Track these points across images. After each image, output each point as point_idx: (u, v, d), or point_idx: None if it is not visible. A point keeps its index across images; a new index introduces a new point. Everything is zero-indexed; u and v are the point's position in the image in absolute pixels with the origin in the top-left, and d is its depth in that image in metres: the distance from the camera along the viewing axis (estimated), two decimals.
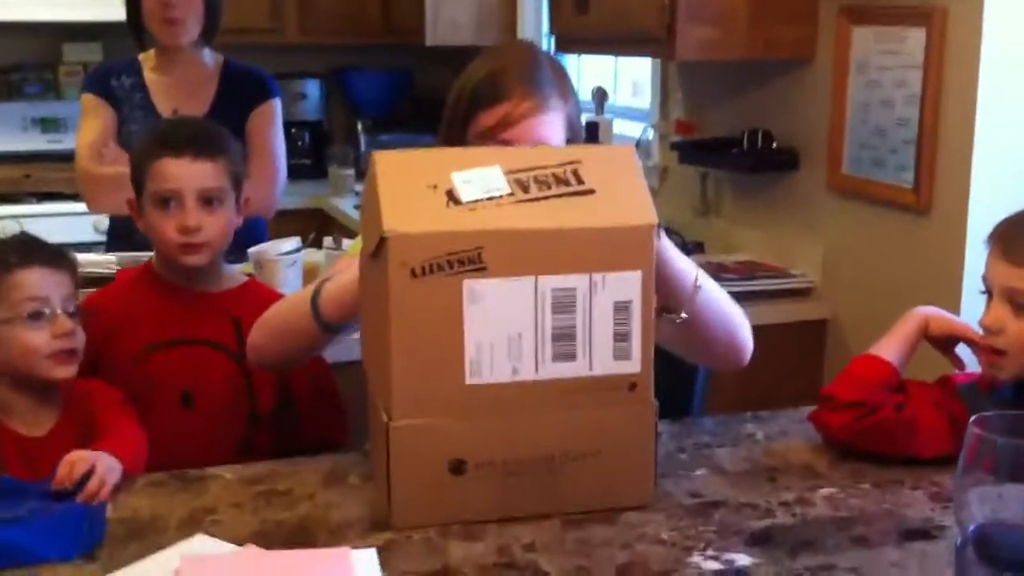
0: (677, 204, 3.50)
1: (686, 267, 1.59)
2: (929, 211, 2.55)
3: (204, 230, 1.93)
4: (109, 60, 3.02)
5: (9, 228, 4.03)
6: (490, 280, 1.29)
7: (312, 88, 5.07)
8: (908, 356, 1.70)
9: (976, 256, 2.40)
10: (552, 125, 1.70)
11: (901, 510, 1.51)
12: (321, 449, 1.95)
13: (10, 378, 1.68)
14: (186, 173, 1.93)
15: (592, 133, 3.52)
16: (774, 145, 3.03)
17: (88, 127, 2.93)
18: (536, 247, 1.31)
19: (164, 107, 2.94)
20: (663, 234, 1.68)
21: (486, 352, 1.31)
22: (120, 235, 2.96)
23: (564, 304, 1.32)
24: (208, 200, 1.94)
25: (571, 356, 1.33)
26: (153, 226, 1.95)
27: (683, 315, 1.58)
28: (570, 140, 1.73)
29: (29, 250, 1.73)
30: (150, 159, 1.95)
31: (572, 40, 3.42)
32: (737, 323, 1.70)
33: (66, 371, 1.70)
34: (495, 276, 1.29)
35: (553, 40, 3.62)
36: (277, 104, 3.02)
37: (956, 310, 2.42)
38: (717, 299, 1.66)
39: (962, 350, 1.72)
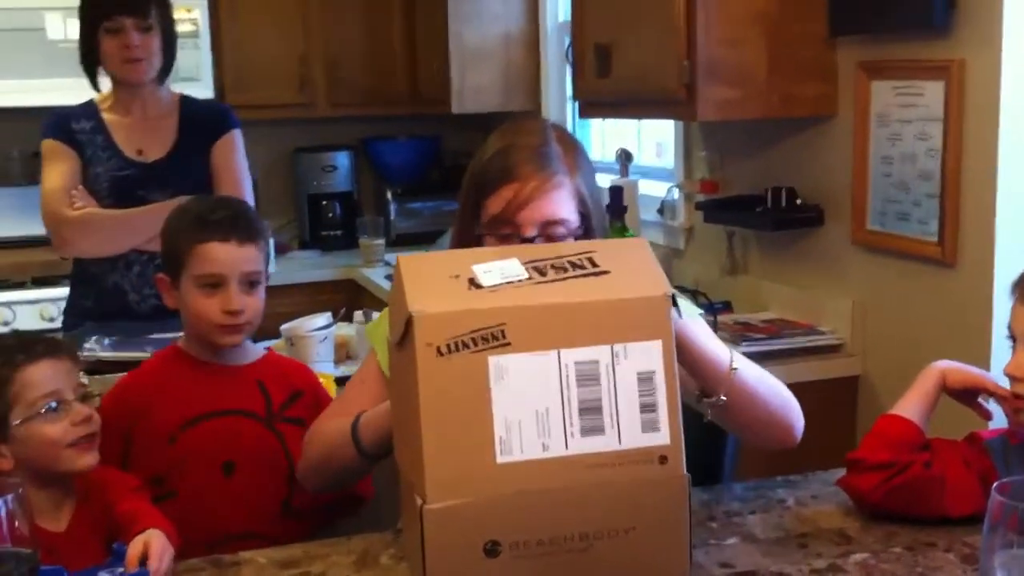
0: (704, 263, 3.50)
1: (719, 350, 1.60)
2: (955, 263, 2.54)
3: (245, 312, 2.00)
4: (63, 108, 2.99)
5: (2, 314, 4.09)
6: (514, 355, 1.31)
7: (342, 160, 5.14)
8: (929, 412, 1.69)
9: (1004, 307, 2.40)
10: (560, 201, 1.70)
11: (933, 574, 1.50)
12: (351, 503, 2.04)
13: (31, 476, 1.68)
14: (232, 258, 1.99)
15: (617, 195, 3.54)
16: (798, 201, 3.04)
17: (53, 172, 2.88)
18: (557, 321, 1.33)
19: (127, 147, 2.92)
20: (699, 318, 1.70)
21: (515, 429, 1.31)
22: (84, 278, 2.96)
23: (588, 377, 1.33)
24: (250, 283, 2.00)
25: (599, 430, 1.33)
26: (194, 306, 2.00)
27: (721, 397, 1.59)
28: (582, 213, 1.74)
29: (31, 345, 1.73)
30: (193, 242, 2.00)
31: (595, 104, 3.45)
32: (780, 403, 1.70)
33: (90, 458, 1.71)
34: (519, 351, 1.31)
35: (576, 105, 3.66)
36: (238, 134, 3.01)
37: (985, 361, 2.40)
38: (757, 380, 1.66)
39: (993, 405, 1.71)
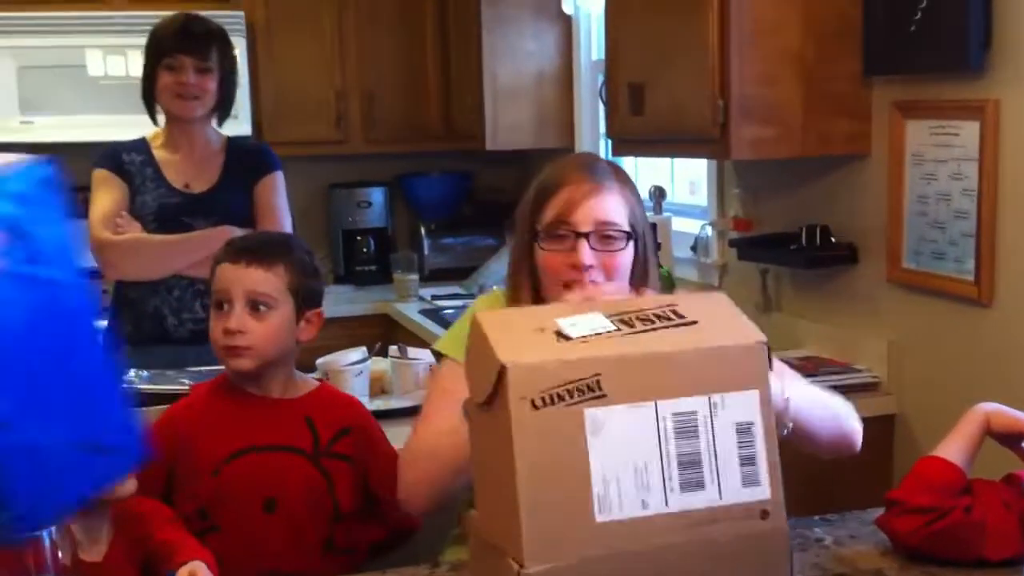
0: (738, 301, 3.43)
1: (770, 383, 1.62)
2: (991, 303, 2.53)
3: (248, 334, 1.98)
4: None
5: None
6: (611, 407, 1.25)
7: (376, 195, 5.18)
8: (973, 455, 1.68)
9: None
10: (612, 204, 1.82)
11: None
12: (397, 539, 2.04)
13: None
14: (237, 276, 2.01)
15: (651, 232, 3.54)
16: (832, 239, 3.04)
17: (101, 200, 2.99)
18: (652, 371, 1.28)
19: (176, 180, 3.03)
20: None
21: (613, 485, 1.25)
22: (124, 302, 3.02)
23: (686, 429, 1.28)
24: (256, 305, 2.00)
25: (700, 485, 1.28)
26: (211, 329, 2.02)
27: (787, 426, 1.64)
28: (632, 226, 1.83)
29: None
30: (215, 264, 2.05)
31: (628, 142, 3.46)
32: (840, 415, 1.81)
33: (129, 487, 1.66)
34: (616, 403, 1.25)
35: (610, 143, 3.68)
36: (280, 176, 3.12)
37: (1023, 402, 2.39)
38: (813, 401, 1.75)
39: None
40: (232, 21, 4.63)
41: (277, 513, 1.96)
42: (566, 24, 4.63)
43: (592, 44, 4.56)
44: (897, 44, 2.70)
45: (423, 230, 5.13)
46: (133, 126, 4.43)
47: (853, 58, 2.86)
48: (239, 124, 4.58)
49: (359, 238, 5.12)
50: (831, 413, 1.80)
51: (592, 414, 1.23)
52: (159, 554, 1.66)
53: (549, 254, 1.82)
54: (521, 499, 1.22)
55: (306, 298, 2.07)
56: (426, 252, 5.10)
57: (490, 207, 5.23)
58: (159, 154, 3.05)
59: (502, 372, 1.23)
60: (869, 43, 2.80)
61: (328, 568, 1.90)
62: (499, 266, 4.69)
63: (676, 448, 1.26)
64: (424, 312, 4.38)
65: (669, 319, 1.34)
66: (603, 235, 1.80)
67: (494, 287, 2.13)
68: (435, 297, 4.65)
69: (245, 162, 3.10)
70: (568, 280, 1.80)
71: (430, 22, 4.95)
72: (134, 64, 4.38)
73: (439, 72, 4.98)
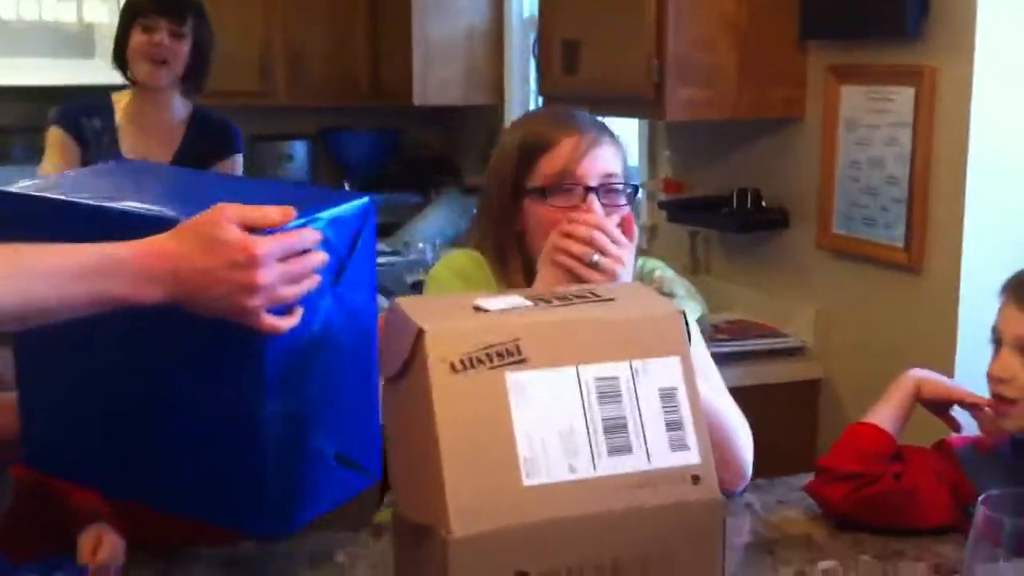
0: (667, 263, 3.48)
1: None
2: (921, 269, 2.54)
3: None
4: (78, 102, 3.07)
5: None
6: (532, 371, 1.23)
7: (299, 149, 5.09)
8: (903, 421, 1.68)
9: (970, 314, 2.41)
10: (615, 156, 1.77)
11: None
12: None
13: None
14: None
15: None
16: (764, 204, 3.03)
17: (51, 160, 2.96)
18: (572, 337, 1.26)
19: (131, 152, 2.97)
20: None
21: (540, 450, 1.22)
22: None
23: (610, 393, 1.26)
24: None
25: (627, 449, 1.25)
26: None
27: None
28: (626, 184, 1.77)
29: None
30: None
31: (560, 100, 3.41)
32: (733, 438, 1.70)
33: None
34: (536, 367, 1.23)
35: (541, 100, 3.63)
36: (240, 159, 3.13)
37: (950, 368, 2.40)
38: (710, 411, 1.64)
39: (959, 412, 1.70)
40: None
41: None
42: None
43: (524, 0, 4.50)
44: (833, 9, 2.68)
45: (347, 186, 5.05)
46: (45, 69, 4.33)
47: (789, 22, 2.84)
48: None
49: None
50: (725, 435, 1.68)
51: (514, 378, 1.21)
52: (70, 519, 1.59)
53: (553, 210, 1.71)
54: (445, 463, 1.19)
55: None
56: None
57: (417, 164, 5.16)
58: (120, 120, 3.01)
59: (419, 335, 1.20)
60: (805, 7, 2.78)
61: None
62: (426, 223, 4.64)
63: (601, 412, 1.24)
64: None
65: (586, 297, 1.34)
66: (609, 189, 1.73)
67: (453, 251, 2.03)
68: None
69: (207, 139, 3.07)
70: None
71: None
72: (48, 8, 4.26)
73: (367, 27, 4.90)
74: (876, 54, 2.63)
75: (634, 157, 3.80)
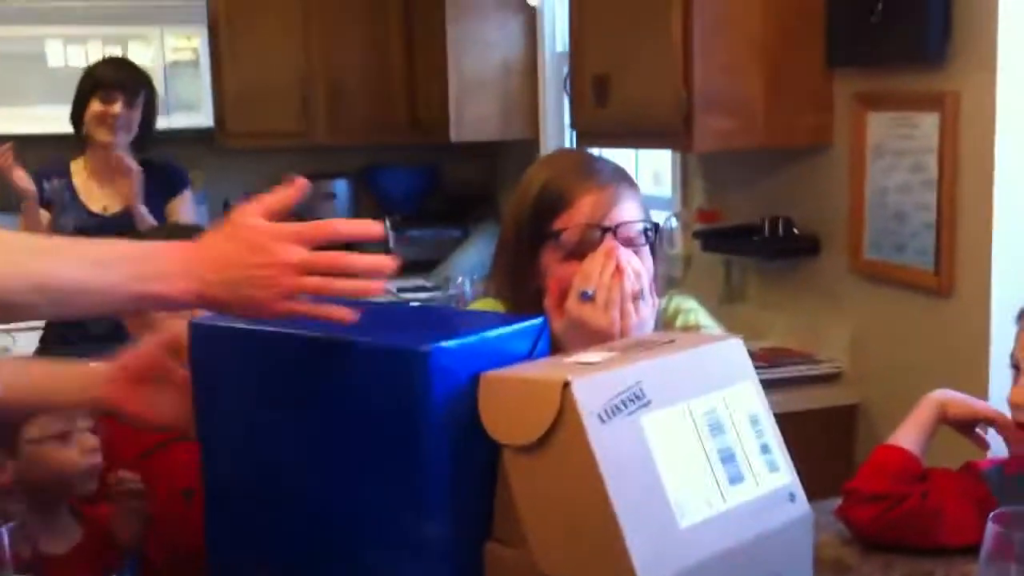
0: (702, 292, 3.50)
1: None
2: (951, 293, 2.55)
3: None
4: (38, 166, 3.42)
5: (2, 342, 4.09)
6: (658, 412, 1.23)
7: (341, 187, 5.15)
8: (927, 442, 1.70)
9: (1001, 336, 2.41)
10: (636, 205, 1.72)
11: None
12: None
13: (30, 499, 1.71)
14: None
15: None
16: (795, 231, 3.05)
17: (25, 227, 3.29)
18: (676, 375, 1.28)
19: (93, 204, 3.38)
20: None
21: (683, 489, 1.22)
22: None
23: (716, 425, 1.28)
24: None
25: (741, 478, 1.28)
26: None
27: None
28: (644, 223, 1.74)
29: None
30: None
31: (592, 134, 3.47)
32: None
33: (91, 486, 1.75)
34: (659, 408, 1.23)
35: (574, 135, 3.68)
36: (188, 194, 3.52)
37: (983, 391, 2.41)
38: None
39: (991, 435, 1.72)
40: (195, 9, 4.61)
41: (195, 502, 1.95)
42: (530, 15, 4.63)
43: (557, 35, 4.55)
44: (859, 35, 2.71)
45: (388, 223, 5.11)
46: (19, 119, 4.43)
47: (815, 50, 2.87)
48: (202, 116, 4.59)
49: None
50: None
51: (648, 421, 1.22)
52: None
53: (573, 268, 1.68)
54: (621, 519, 1.16)
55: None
56: (392, 245, 5.08)
57: (456, 199, 5.22)
58: (78, 180, 3.39)
59: (566, 390, 1.17)
60: (831, 34, 2.82)
61: None
62: (465, 257, 4.69)
63: (715, 444, 1.27)
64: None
65: (653, 343, 1.36)
66: (631, 239, 1.70)
67: (484, 296, 2.03)
68: (401, 290, 4.64)
69: (157, 181, 3.39)
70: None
71: (394, 13, 4.92)
72: (94, 53, 4.36)
73: (404, 64, 4.96)
74: (901, 80, 2.66)
75: (667, 187, 3.84)
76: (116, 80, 3.33)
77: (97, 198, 3.39)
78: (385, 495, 1.23)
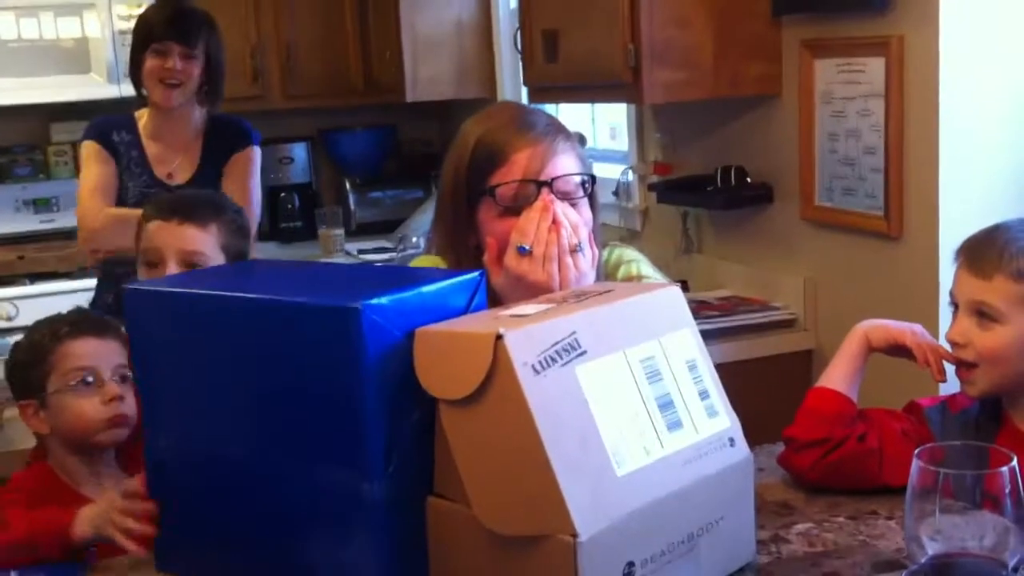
0: (660, 244, 3.53)
1: None
2: (901, 236, 2.57)
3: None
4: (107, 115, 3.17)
5: (4, 310, 4.09)
6: (593, 362, 1.24)
7: (299, 151, 5.14)
8: (858, 376, 1.70)
9: (949, 276, 2.43)
10: (574, 158, 1.72)
11: (875, 541, 1.52)
12: None
13: (68, 446, 1.79)
14: (170, 235, 2.04)
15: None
16: (748, 180, 3.07)
17: (92, 172, 3.03)
18: (612, 324, 1.29)
19: (158, 168, 3.08)
20: None
21: (619, 438, 1.22)
22: (111, 277, 3.02)
23: (653, 372, 1.29)
24: (191, 265, 2.00)
25: (680, 424, 1.29)
26: None
27: None
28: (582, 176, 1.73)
29: (79, 321, 1.83)
30: (144, 223, 2.08)
31: (545, 90, 3.46)
32: None
33: (114, 434, 1.78)
34: (595, 357, 1.24)
35: (527, 91, 3.67)
36: (252, 152, 3.15)
37: (935, 331, 2.42)
38: None
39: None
40: None
41: None
42: None
43: None
44: None
45: (348, 184, 5.10)
46: (45, 88, 4.39)
47: None
48: None
49: (283, 195, 5.08)
50: None
51: (583, 371, 1.22)
52: None
53: (509, 224, 1.67)
54: (557, 469, 1.17)
55: (235, 257, 2.07)
56: (352, 207, 5.07)
57: (415, 159, 5.21)
58: (144, 137, 3.10)
59: (499, 342, 1.18)
60: None
61: None
62: (425, 217, 4.68)
63: (653, 392, 1.27)
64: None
65: (588, 294, 1.37)
66: (568, 193, 1.70)
67: (426, 253, 2.01)
68: (361, 251, 4.64)
69: (221, 142, 3.13)
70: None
71: None
72: (47, 27, 4.31)
73: (357, 25, 4.93)
74: (846, 26, 2.67)
75: (624, 141, 3.84)
76: (170, 30, 2.97)
77: (162, 161, 3.09)
78: (325, 455, 1.24)
